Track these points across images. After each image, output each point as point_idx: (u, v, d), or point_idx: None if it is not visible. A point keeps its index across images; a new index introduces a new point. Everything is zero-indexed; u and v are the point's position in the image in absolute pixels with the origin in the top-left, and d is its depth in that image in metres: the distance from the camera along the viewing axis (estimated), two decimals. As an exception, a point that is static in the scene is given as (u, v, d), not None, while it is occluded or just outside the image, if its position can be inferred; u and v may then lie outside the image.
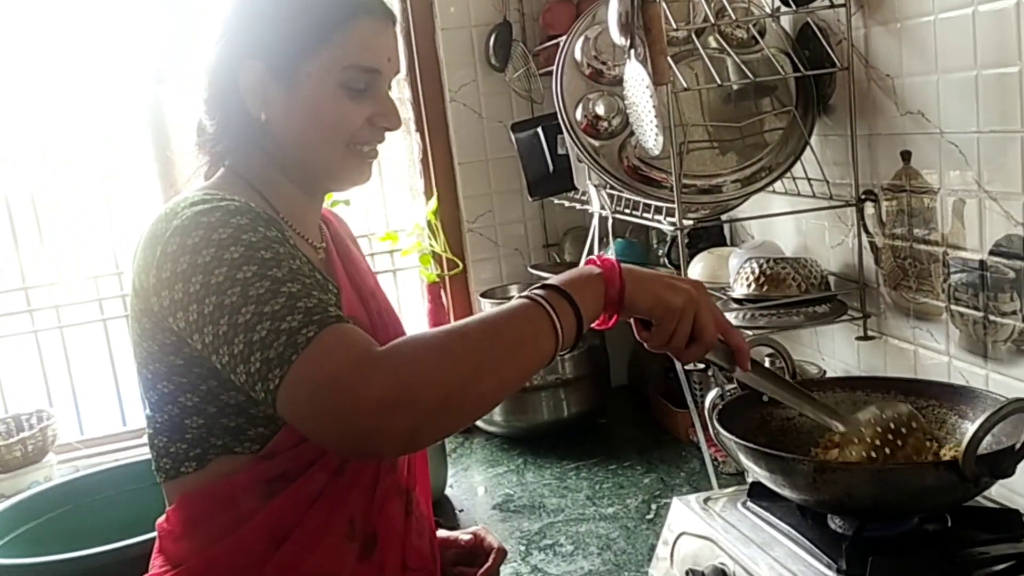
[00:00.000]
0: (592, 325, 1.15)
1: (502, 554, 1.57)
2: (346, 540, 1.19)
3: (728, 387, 1.55)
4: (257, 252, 1.04)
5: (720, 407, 1.43)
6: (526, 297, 1.07)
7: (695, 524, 1.44)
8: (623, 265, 1.14)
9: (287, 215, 1.23)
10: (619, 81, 1.73)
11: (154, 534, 1.27)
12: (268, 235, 1.07)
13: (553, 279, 1.11)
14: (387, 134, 1.25)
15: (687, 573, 1.35)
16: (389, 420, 0.95)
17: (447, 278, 2.69)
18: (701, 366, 1.78)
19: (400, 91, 2.73)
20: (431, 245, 2.66)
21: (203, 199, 1.10)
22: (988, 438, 1.15)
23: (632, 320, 1.18)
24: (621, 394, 2.67)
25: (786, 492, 1.27)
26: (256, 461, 1.15)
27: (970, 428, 1.13)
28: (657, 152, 1.65)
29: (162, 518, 1.23)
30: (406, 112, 2.72)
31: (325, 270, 1.25)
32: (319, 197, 1.30)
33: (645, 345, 1.18)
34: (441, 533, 1.48)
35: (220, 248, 1.03)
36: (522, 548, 1.86)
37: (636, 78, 1.62)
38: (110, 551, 1.59)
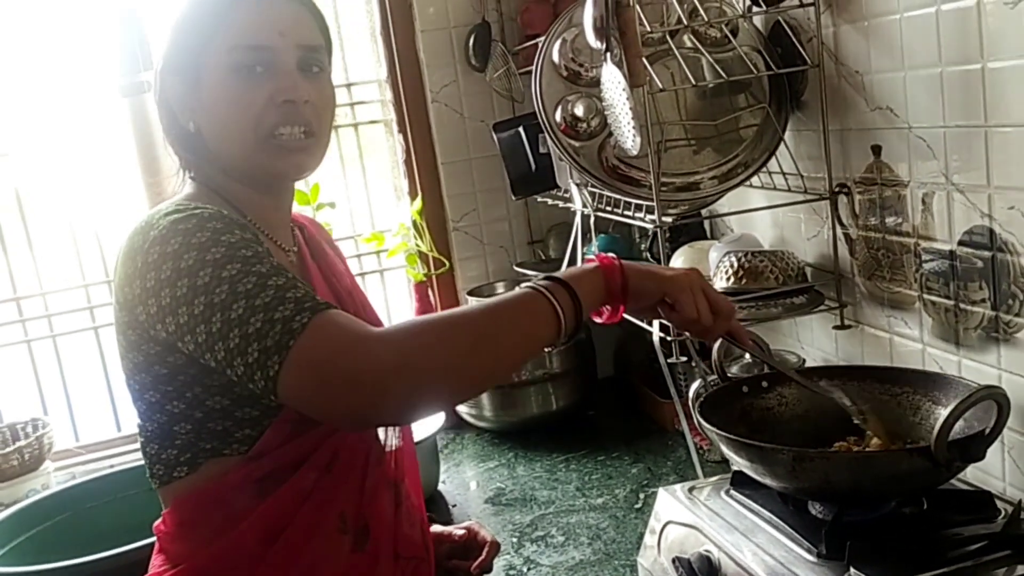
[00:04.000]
0: (601, 320, 1.23)
1: (495, 547, 1.61)
2: (338, 534, 1.22)
3: (710, 378, 1.60)
4: (238, 251, 1.07)
5: (703, 398, 1.47)
6: (529, 287, 1.13)
7: (681, 513, 1.48)
8: (623, 261, 1.20)
9: (255, 219, 1.25)
10: (597, 83, 1.76)
11: (147, 541, 1.31)
12: (245, 236, 1.10)
13: (555, 273, 1.16)
14: (313, 114, 1.21)
15: (674, 561, 1.39)
16: (391, 386, 0.99)
17: (434, 277, 2.72)
18: (684, 358, 1.83)
19: (382, 92, 2.76)
20: (417, 245, 2.69)
21: (176, 209, 1.13)
22: (961, 423, 1.20)
23: (660, 309, 1.24)
24: (608, 386, 2.71)
25: (767, 480, 1.32)
26: (245, 462, 1.18)
27: (941, 415, 1.18)
28: (635, 153, 1.69)
29: (159, 521, 1.26)
30: (388, 113, 2.75)
31: (298, 272, 1.29)
32: (281, 197, 1.31)
33: (672, 326, 1.26)
34: (435, 528, 1.52)
35: (201, 251, 1.06)
36: (514, 540, 1.90)
37: (612, 80, 1.65)
38: (111, 556, 1.62)
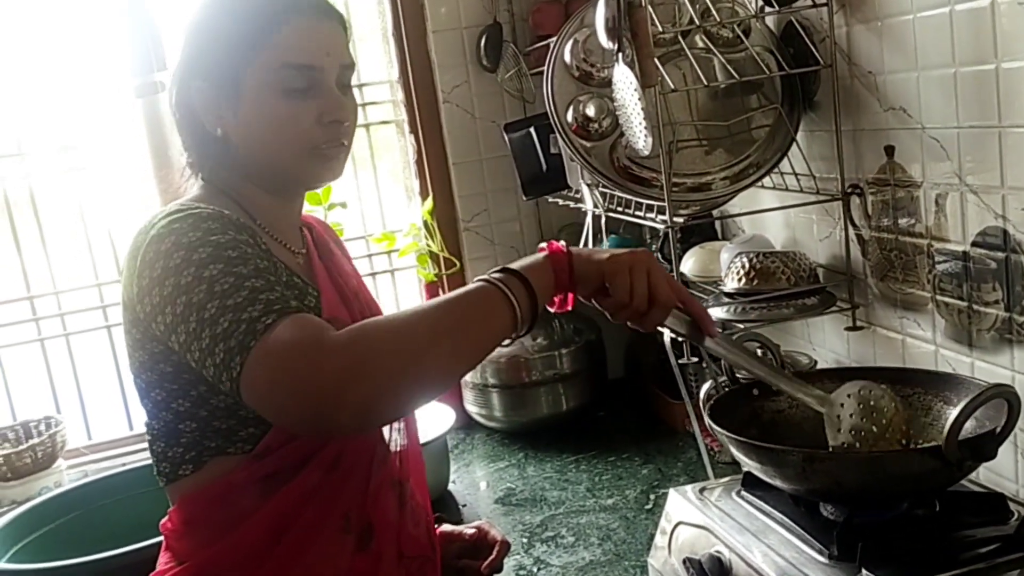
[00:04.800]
0: (552, 309, 1.20)
1: (506, 547, 1.61)
2: (342, 533, 1.23)
3: (721, 379, 1.59)
4: (224, 251, 1.07)
5: (713, 401, 1.47)
6: (482, 279, 1.11)
7: (692, 514, 1.48)
8: (571, 248, 1.18)
9: (264, 222, 1.26)
10: (608, 83, 1.76)
11: (156, 539, 1.31)
12: (238, 238, 1.10)
13: (507, 264, 1.14)
14: (350, 130, 1.24)
15: (684, 562, 1.38)
16: (347, 392, 0.97)
17: (445, 277, 2.73)
18: (695, 359, 1.83)
19: (393, 93, 2.76)
20: (428, 245, 2.69)
21: (178, 209, 1.14)
22: (972, 422, 1.19)
23: (598, 297, 1.20)
24: (618, 387, 2.70)
25: (777, 482, 1.32)
26: (249, 461, 1.18)
27: (952, 414, 1.17)
28: (647, 153, 1.69)
29: (165, 519, 1.27)
30: (400, 114, 2.75)
31: (305, 274, 1.29)
32: (294, 200, 1.32)
33: (607, 315, 1.20)
34: (445, 527, 1.52)
35: (189, 250, 1.07)
36: (525, 540, 1.90)
37: (624, 81, 1.65)
38: (123, 554, 1.63)
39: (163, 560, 1.26)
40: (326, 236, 1.44)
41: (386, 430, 1.29)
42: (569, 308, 1.22)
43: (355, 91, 2.70)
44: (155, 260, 1.09)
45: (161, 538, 1.32)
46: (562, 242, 1.21)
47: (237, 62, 1.19)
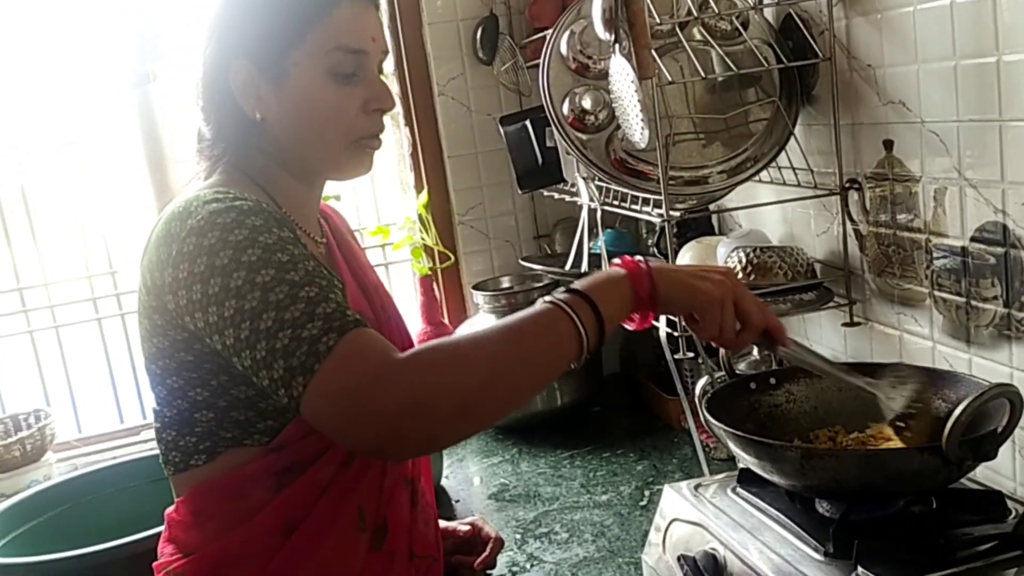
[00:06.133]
0: (629, 327, 1.18)
1: (499, 543, 1.60)
2: (356, 531, 1.22)
3: (717, 375, 1.58)
4: (274, 255, 1.06)
5: (709, 395, 1.45)
6: (549, 302, 1.08)
7: (686, 511, 1.47)
8: (652, 264, 1.15)
9: (288, 210, 1.25)
10: (605, 75, 1.75)
11: (158, 530, 1.30)
12: (282, 236, 1.09)
13: (577, 283, 1.11)
14: (382, 123, 1.26)
15: (679, 559, 1.38)
16: (406, 428, 0.98)
17: (439, 271, 2.72)
18: (691, 354, 1.81)
19: (388, 85, 2.74)
20: (423, 238, 2.67)
21: (216, 198, 1.11)
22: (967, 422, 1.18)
23: (682, 316, 1.20)
24: (613, 382, 2.69)
25: (774, 478, 1.31)
26: (265, 453, 1.18)
27: (953, 413, 1.16)
28: (643, 146, 1.67)
29: (171, 508, 1.25)
30: (395, 106, 2.74)
31: (328, 264, 1.28)
32: (318, 189, 1.31)
33: (695, 337, 1.20)
34: (440, 524, 1.51)
35: (237, 250, 1.05)
36: (518, 536, 1.89)
37: (621, 72, 1.64)
38: (115, 547, 1.61)
39: (167, 551, 1.25)
40: (342, 227, 1.43)
41: None
42: (647, 326, 1.19)
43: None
44: (196, 254, 1.07)
45: (155, 531, 1.30)
46: (639, 257, 1.18)
47: (284, 44, 1.18)
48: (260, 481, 1.18)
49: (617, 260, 1.16)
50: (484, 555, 1.60)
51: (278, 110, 1.20)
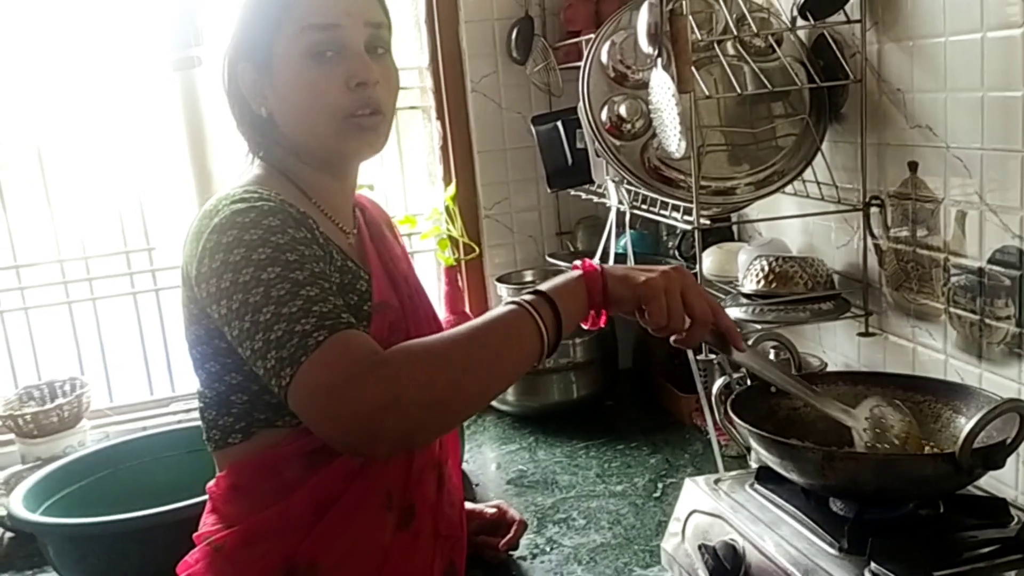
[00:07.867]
0: (585, 326, 1.24)
1: (523, 527, 1.69)
2: (384, 511, 1.29)
3: (735, 375, 1.66)
4: (283, 254, 1.12)
5: (733, 396, 1.53)
6: (514, 302, 1.15)
7: (706, 503, 1.54)
8: (605, 266, 1.22)
9: (318, 200, 1.31)
10: (642, 85, 1.82)
11: (198, 499, 1.37)
12: (296, 236, 1.15)
13: (540, 285, 1.19)
14: (382, 96, 1.26)
15: (699, 547, 1.45)
16: (381, 424, 1.02)
17: (463, 262, 2.78)
18: (712, 356, 1.89)
19: (422, 80, 2.81)
20: (448, 230, 2.75)
21: (242, 197, 1.18)
22: (982, 432, 1.26)
23: (636, 312, 1.24)
24: (627, 377, 2.76)
25: (794, 477, 1.38)
26: (297, 435, 1.25)
27: (967, 424, 1.24)
28: (680, 156, 1.75)
29: (212, 482, 1.33)
30: (427, 100, 2.81)
31: (356, 255, 1.33)
32: (346, 179, 1.35)
33: (649, 331, 1.25)
34: (467, 505, 1.58)
35: (249, 249, 1.12)
36: (537, 521, 1.96)
37: (662, 85, 1.71)
38: (157, 514, 1.67)
39: (209, 521, 1.33)
40: (379, 218, 1.49)
41: None
42: (602, 325, 1.26)
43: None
44: (215, 251, 1.14)
45: (196, 500, 1.37)
46: (595, 260, 1.25)
47: (267, 33, 1.23)
48: (292, 460, 1.26)
49: (577, 262, 1.23)
50: (508, 537, 1.68)
51: (276, 102, 1.27)
